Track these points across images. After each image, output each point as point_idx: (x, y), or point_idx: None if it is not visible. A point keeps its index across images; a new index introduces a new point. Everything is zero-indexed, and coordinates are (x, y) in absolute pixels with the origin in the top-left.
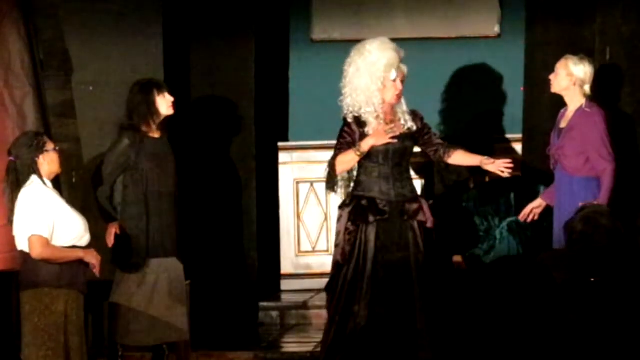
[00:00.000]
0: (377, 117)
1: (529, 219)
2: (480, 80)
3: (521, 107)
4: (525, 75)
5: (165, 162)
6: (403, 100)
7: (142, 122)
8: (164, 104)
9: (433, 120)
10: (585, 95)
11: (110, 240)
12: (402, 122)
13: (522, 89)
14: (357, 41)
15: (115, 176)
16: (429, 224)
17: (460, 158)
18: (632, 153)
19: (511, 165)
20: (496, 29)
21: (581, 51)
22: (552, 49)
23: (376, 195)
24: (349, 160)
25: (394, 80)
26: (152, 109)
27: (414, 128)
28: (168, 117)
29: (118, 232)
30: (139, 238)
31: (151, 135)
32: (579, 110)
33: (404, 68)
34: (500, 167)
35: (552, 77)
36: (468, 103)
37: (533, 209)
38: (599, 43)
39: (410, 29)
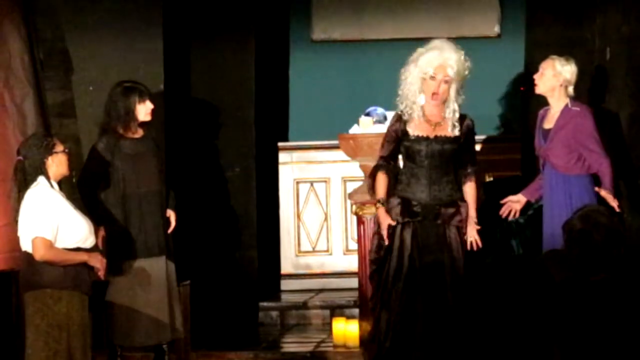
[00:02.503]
0: (419, 115)
1: (511, 216)
2: (480, 80)
3: (521, 107)
4: (525, 75)
5: (144, 162)
6: (454, 104)
7: (119, 124)
8: (143, 110)
9: None
10: (568, 95)
11: (99, 243)
12: (449, 126)
13: (522, 89)
14: (357, 41)
15: (96, 179)
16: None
17: (466, 193)
18: (621, 152)
19: (477, 245)
20: (496, 29)
21: (581, 51)
22: (552, 49)
23: (411, 196)
24: (378, 192)
25: (432, 79)
26: (130, 115)
27: (457, 133)
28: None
29: (104, 234)
30: (120, 240)
31: (129, 135)
32: (565, 109)
33: (449, 69)
34: (471, 237)
35: (536, 77)
36: (468, 103)
37: (511, 201)
38: (599, 43)
39: (410, 29)
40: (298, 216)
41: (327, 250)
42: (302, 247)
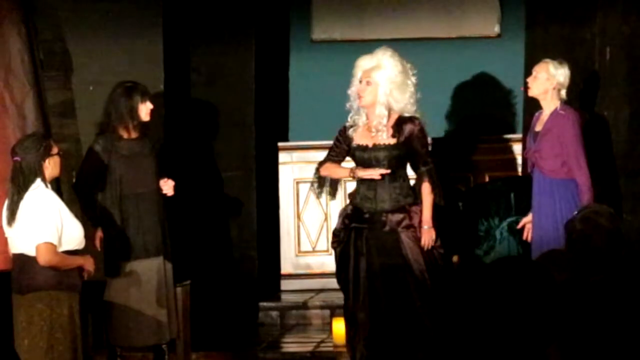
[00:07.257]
0: (363, 124)
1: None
2: (480, 80)
3: (521, 107)
4: (525, 75)
5: (141, 163)
6: (380, 109)
7: (119, 125)
8: (144, 110)
9: (433, 120)
10: (560, 99)
11: (97, 245)
12: (386, 131)
13: (522, 89)
14: (357, 41)
15: (93, 180)
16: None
17: (420, 195)
18: (608, 156)
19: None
20: (496, 29)
21: (581, 51)
22: (552, 49)
23: (360, 203)
24: (338, 173)
25: (360, 83)
26: (133, 115)
27: (396, 139)
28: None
29: (102, 235)
30: (117, 241)
31: (127, 136)
32: (554, 113)
33: (374, 72)
34: (423, 241)
35: (529, 79)
36: (468, 103)
37: (526, 223)
38: (599, 43)
39: (410, 29)
40: (298, 216)
41: (327, 250)
42: (302, 247)
